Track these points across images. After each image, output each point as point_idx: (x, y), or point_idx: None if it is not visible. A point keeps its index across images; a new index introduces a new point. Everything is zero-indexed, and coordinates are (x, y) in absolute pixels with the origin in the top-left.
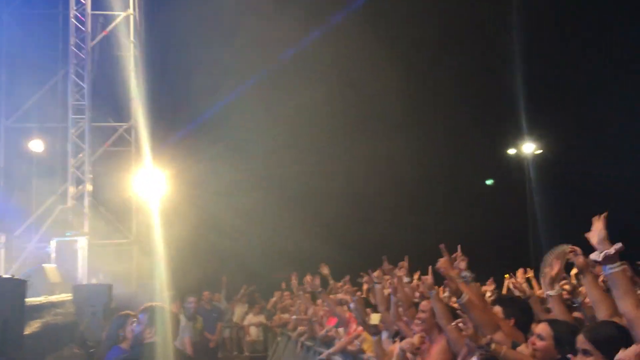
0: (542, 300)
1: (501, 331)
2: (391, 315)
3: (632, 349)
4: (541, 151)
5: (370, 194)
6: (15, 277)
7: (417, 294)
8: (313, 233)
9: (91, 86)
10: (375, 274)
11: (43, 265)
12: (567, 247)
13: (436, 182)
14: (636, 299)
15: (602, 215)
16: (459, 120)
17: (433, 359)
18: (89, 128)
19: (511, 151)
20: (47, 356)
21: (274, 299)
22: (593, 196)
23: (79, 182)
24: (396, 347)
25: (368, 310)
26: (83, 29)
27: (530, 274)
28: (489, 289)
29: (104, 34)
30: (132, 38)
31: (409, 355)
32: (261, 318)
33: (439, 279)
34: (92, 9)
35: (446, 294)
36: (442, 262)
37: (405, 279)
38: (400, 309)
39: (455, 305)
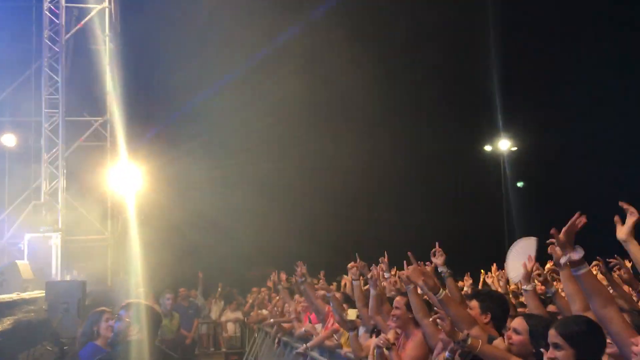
0: (515, 295)
1: (478, 326)
2: (369, 310)
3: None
4: (516, 148)
5: (348, 190)
6: None
7: (393, 289)
8: (291, 230)
9: (65, 80)
10: (352, 270)
11: (16, 261)
12: (533, 240)
13: (413, 179)
14: (604, 298)
15: (576, 218)
16: (435, 118)
17: (409, 354)
18: (63, 122)
19: (487, 148)
20: (19, 354)
21: (252, 297)
22: (567, 192)
23: (52, 177)
24: (373, 342)
25: (345, 305)
26: (57, 21)
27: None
28: (466, 285)
29: (78, 27)
30: (107, 31)
31: (385, 351)
32: (238, 314)
33: None
34: (67, 2)
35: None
36: (411, 271)
37: (386, 275)
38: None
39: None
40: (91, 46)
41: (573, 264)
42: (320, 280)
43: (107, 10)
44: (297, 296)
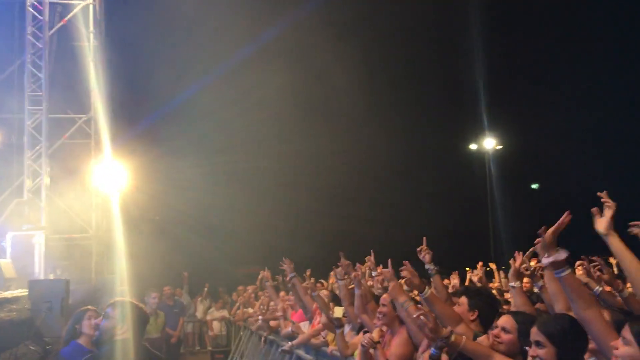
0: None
1: (463, 324)
2: (355, 308)
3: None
4: (501, 147)
5: (335, 188)
6: None
7: (380, 287)
8: (278, 227)
9: (49, 76)
10: (338, 270)
11: None
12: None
13: (399, 177)
14: (586, 300)
15: (562, 219)
16: (421, 116)
17: (394, 351)
18: (46, 119)
19: (472, 146)
20: (1, 353)
21: (239, 295)
22: (552, 191)
23: (35, 175)
24: (359, 340)
25: (332, 303)
26: (40, 17)
27: (493, 266)
28: (453, 282)
29: (62, 23)
30: (91, 28)
31: (370, 350)
32: (224, 313)
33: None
34: None
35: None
36: (392, 289)
37: (373, 273)
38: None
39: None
40: (75, 43)
41: (556, 266)
42: (307, 279)
43: (91, 6)
44: (282, 293)
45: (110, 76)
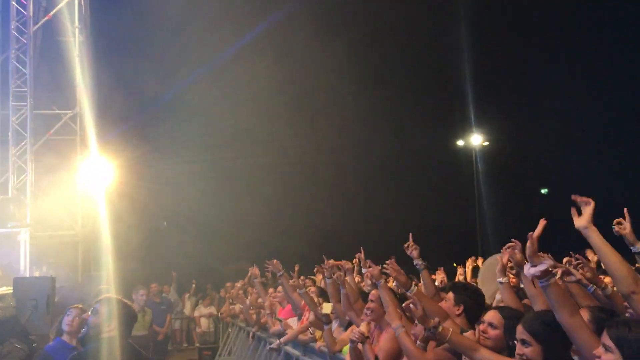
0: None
1: (450, 320)
2: (342, 305)
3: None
4: (488, 143)
5: (323, 185)
6: None
7: (370, 284)
8: (266, 224)
9: (33, 72)
10: (327, 266)
11: None
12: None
13: (386, 174)
14: (570, 308)
15: (539, 226)
16: (409, 113)
17: (382, 347)
18: (31, 115)
19: (459, 143)
20: None
21: (227, 292)
22: (538, 188)
23: (20, 171)
24: (347, 336)
25: (320, 299)
26: (25, 12)
27: (480, 261)
28: (438, 278)
29: (47, 18)
30: (77, 23)
31: (359, 345)
32: (212, 309)
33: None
34: None
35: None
36: (388, 314)
37: (363, 270)
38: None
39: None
40: (60, 38)
41: (539, 276)
42: (295, 274)
43: (76, 1)
44: (270, 290)
45: (96, 72)
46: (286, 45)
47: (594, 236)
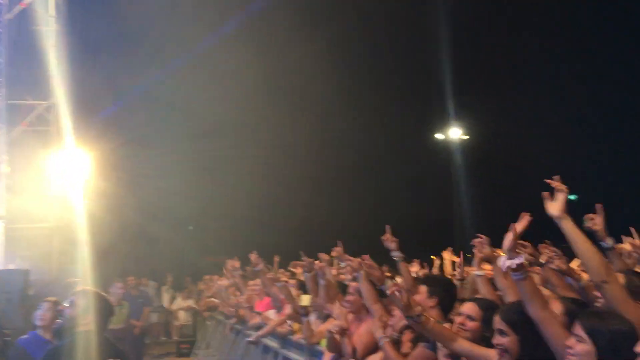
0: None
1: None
2: (320, 298)
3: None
4: (468, 137)
5: (302, 177)
6: None
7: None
8: (246, 217)
9: (7, 61)
10: (304, 263)
11: None
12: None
13: (366, 166)
14: (541, 302)
15: (523, 220)
16: (387, 106)
17: (360, 338)
18: (5, 106)
19: (438, 136)
20: None
21: (205, 285)
22: (517, 181)
23: None
24: (325, 328)
25: (299, 292)
26: None
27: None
28: (413, 270)
29: (21, 6)
30: (52, 12)
31: (337, 336)
32: (190, 302)
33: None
34: None
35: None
36: (374, 323)
37: (342, 264)
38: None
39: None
40: (35, 27)
41: (516, 269)
42: (275, 266)
43: None
44: (250, 282)
45: (71, 61)
46: (266, 35)
47: (568, 226)
